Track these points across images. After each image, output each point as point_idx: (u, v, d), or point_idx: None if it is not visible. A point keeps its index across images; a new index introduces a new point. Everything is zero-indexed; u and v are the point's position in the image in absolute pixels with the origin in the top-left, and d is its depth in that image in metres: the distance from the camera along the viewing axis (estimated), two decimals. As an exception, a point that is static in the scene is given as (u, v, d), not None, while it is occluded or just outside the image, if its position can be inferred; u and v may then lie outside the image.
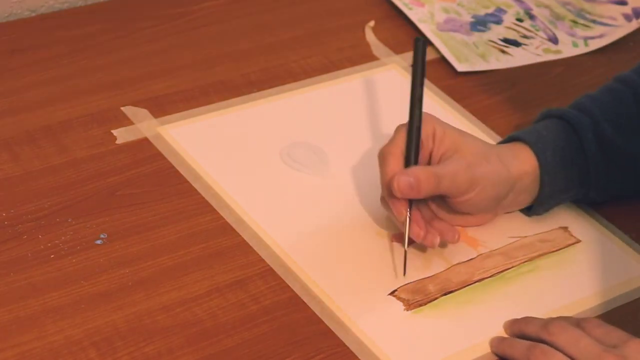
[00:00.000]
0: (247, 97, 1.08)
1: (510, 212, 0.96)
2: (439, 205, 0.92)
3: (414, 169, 0.87)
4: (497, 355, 0.84)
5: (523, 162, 0.92)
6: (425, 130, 0.90)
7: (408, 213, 0.87)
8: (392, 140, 0.90)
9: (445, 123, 0.91)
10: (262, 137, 1.03)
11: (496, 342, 0.84)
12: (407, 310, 0.87)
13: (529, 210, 0.96)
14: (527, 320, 0.85)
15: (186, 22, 1.18)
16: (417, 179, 0.86)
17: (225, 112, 1.06)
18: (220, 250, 0.90)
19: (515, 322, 0.86)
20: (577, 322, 0.83)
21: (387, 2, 1.25)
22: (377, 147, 1.02)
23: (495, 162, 0.91)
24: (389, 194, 0.88)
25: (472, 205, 0.91)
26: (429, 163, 0.91)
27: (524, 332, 0.84)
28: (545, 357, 0.80)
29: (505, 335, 0.86)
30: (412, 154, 0.88)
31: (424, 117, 0.90)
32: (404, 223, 0.88)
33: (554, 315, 0.86)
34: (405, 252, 0.88)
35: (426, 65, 0.91)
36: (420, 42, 0.90)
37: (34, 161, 0.97)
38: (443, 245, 0.92)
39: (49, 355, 0.80)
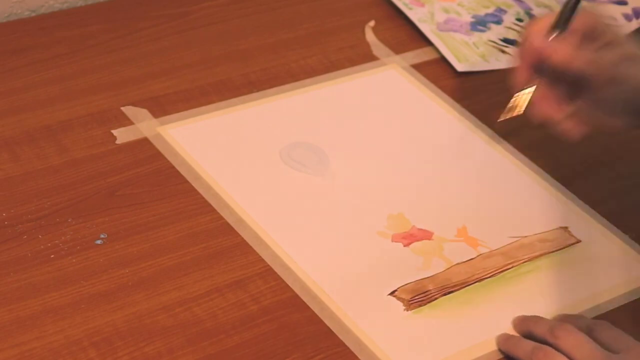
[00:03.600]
0: (247, 97, 1.08)
1: (515, 208, 0.96)
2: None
3: (561, 42, 0.83)
4: (502, 352, 0.84)
5: None
6: (586, 24, 0.84)
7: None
8: (540, 19, 0.85)
9: (610, 26, 0.86)
10: (262, 137, 1.03)
11: (503, 340, 0.85)
12: (407, 311, 0.87)
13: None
14: (536, 320, 0.85)
15: (186, 22, 1.18)
16: (562, 44, 0.82)
17: (226, 112, 1.06)
18: (221, 250, 0.90)
19: (524, 320, 0.86)
20: (587, 323, 0.83)
21: (387, 2, 1.25)
22: (377, 147, 1.03)
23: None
24: (530, 45, 0.83)
25: (604, 100, 0.85)
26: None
27: (531, 331, 0.84)
28: (548, 359, 0.80)
29: (514, 333, 0.86)
30: (564, 18, 0.84)
31: (587, 11, 0.84)
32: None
33: (555, 315, 0.86)
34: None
35: None
36: None
37: (34, 161, 0.97)
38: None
39: (49, 355, 0.80)
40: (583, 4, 0.85)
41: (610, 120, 0.87)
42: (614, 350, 0.80)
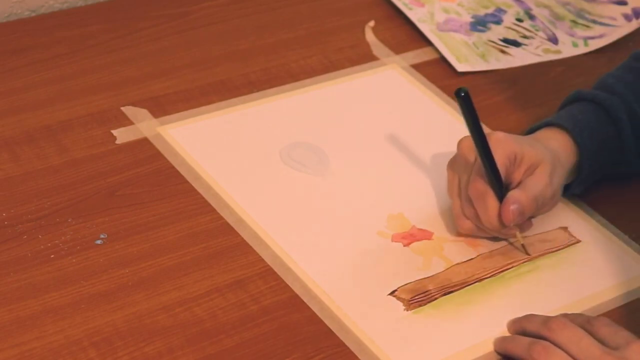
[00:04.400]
0: (247, 97, 1.08)
1: None
2: None
3: (517, 198, 0.89)
4: (499, 354, 0.84)
5: (570, 155, 0.95)
6: (508, 156, 0.90)
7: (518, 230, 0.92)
8: (478, 172, 0.89)
9: (519, 140, 0.92)
10: (262, 137, 1.03)
11: (499, 341, 0.85)
12: (407, 310, 0.87)
13: (566, 190, 0.97)
14: (528, 317, 0.85)
15: (186, 22, 1.18)
16: (522, 206, 0.89)
17: (225, 112, 1.05)
18: (221, 250, 0.90)
19: (517, 320, 0.86)
20: (586, 320, 0.83)
21: (387, 2, 1.25)
22: (377, 147, 1.02)
23: (559, 167, 0.93)
24: (497, 228, 0.90)
25: (543, 213, 0.95)
26: (505, 184, 0.91)
27: (525, 329, 0.84)
28: (547, 353, 0.80)
29: (508, 335, 0.86)
30: (499, 190, 0.89)
31: (500, 141, 0.90)
32: (516, 238, 0.93)
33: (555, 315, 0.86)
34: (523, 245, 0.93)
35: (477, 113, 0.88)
36: (461, 97, 0.87)
37: (34, 161, 0.97)
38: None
39: (49, 355, 0.80)
40: (497, 133, 0.91)
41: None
42: (612, 346, 0.79)
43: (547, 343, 0.80)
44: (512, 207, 0.89)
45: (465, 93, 0.87)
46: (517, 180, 0.91)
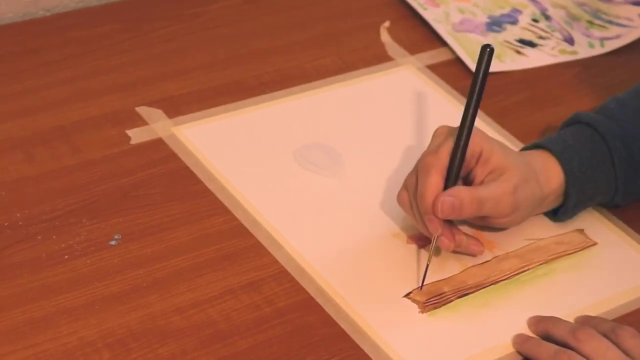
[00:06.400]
0: (261, 98, 1.08)
1: None
2: None
3: (459, 191, 0.85)
4: (520, 353, 0.84)
5: (552, 177, 0.92)
6: (472, 150, 0.87)
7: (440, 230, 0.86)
8: (437, 150, 0.87)
9: (493, 141, 0.89)
10: (276, 138, 1.02)
11: (521, 341, 0.84)
12: (422, 313, 0.87)
13: (554, 216, 0.95)
14: (554, 321, 0.84)
15: (200, 22, 1.18)
16: (461, 202, 0.85)
17: (239, 112, 1.05)
18: (235, 252, 0.90)
19: (541, 320, 0.85)
20: (612, 328, 0.82)
21: (401, 3, 1.24)
22: (392, 148, 1.02)
23: (533, 183, 0.90)
24: (425, 209, 0.86)
25: (504, 225, 0.91)
26: (467, 180, 0.89)
27: (550, 333, 0.84)
28: None
29: (530, 332, 0.85)
30: (454, 175, 0.86)
31: (473, 133, 0.87)
32: (433, 237, 0.87)
33: (571, 319, 0.86)
34: (427, 266, 0.87)
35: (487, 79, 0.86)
36: (487, 51, 0.86)
37: (48, 162, 0.97)
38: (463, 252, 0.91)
39: (63, 356, 0.80)
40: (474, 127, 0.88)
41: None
42: (637, 358, 0.79)
43: (574, 353, 0.80)
44: (448, 197, 0.85)
45: (491, 49, 0.85)
46: (479, 179, 0.89)
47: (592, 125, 0.94)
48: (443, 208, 0.84)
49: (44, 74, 1.08)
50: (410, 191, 0.88)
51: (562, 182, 0.92)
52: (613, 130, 0.94)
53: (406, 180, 0.89)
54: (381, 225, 0.94)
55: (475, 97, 0.87)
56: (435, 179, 0.86)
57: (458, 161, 0.86)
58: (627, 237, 0.96)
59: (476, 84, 0.86)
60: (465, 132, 0.86)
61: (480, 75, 0.86)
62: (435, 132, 0.90)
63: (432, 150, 0.87)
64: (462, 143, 0.86)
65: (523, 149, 0.97)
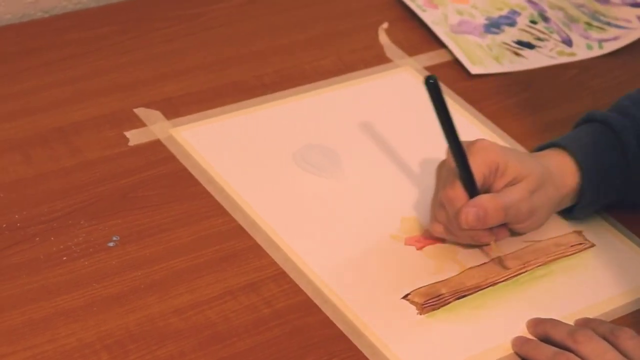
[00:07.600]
0: (260, 99, 1.08)
1: None
2: None
3: (482, 200, 0.86)
4: (519, 355, 0.84)
5: (568, 176, 0.92)
6: (488, 167, 0.88)
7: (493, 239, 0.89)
8: (450, 183, 0.87)
9: (508, 152, 0.90)
10: (275, 140, 1.02)
11: (519, 342, 0.84)
12: (420, 314, 0.87)
13: (569, 214, 0.95)
14: (553, 323, 0.85)
15: (199, 23, 1.18)
16: (485, 211, 0.86)
17: (239, 114, 1.05)
18: (233, 253, 0.90)
19: (540, 322, 0.85)
20: (610, 330, 0.82)
21: (400, 4, 1.24)
22: (390, 150, 1.02)
23: (550, 186, 0.90)
24: (464, 231, 0.88)
25: (521, 230, 0.92)
26: (487, 190, 0.90)
27: (549, 335, 0.84)
28: None
29: (528, 334, 0.85)
30: (473, 189, 0.87)
31: (483, 149, 0.88)
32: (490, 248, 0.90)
33: (570, 320, 0.86)
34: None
35: (447, 105, 0.86)
36: (430, 84, 0.84)
37: (47, 163, 0.97)
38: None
39: (61, 358, 0.80)
40: (482, 140, 0.89)
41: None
42: (635, 359, 0.79)
43: (572, 355, 0.80)
44: (472, 209, 0.86)
45: (434, 80, 0.83)
46: (498, 189, 0.89)
47: (606, 123, 0.94)
48: (467, 220, 0.86)
49: (42, 75, 1.08)
50: (443, 222, 0.89)
51: (578, 180, 0.92)
52: (627, 127, 0.94)
53: (434, 214, 0.90)
54: (379, 226, 0.94)
55: (447, 128, 0.86)
56: (460, 195, 0.87)
57: (469, 180, 0.87)
58: (625, 239, 0.96)
59: (440, 115, 0.86)
60: (460, 161, 0.86)
61: (439, 106, 0.85)
62: (437, 173, 0.91)
63: (444, 185, 0.88)
64: (463, 169, 0.87)
65: (538, 148, 0.97)
